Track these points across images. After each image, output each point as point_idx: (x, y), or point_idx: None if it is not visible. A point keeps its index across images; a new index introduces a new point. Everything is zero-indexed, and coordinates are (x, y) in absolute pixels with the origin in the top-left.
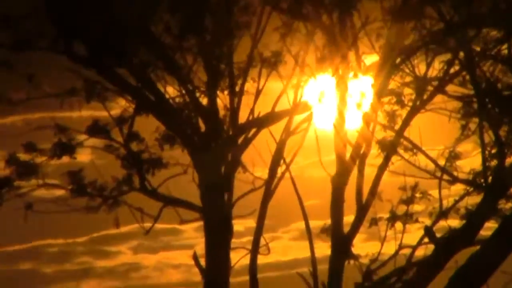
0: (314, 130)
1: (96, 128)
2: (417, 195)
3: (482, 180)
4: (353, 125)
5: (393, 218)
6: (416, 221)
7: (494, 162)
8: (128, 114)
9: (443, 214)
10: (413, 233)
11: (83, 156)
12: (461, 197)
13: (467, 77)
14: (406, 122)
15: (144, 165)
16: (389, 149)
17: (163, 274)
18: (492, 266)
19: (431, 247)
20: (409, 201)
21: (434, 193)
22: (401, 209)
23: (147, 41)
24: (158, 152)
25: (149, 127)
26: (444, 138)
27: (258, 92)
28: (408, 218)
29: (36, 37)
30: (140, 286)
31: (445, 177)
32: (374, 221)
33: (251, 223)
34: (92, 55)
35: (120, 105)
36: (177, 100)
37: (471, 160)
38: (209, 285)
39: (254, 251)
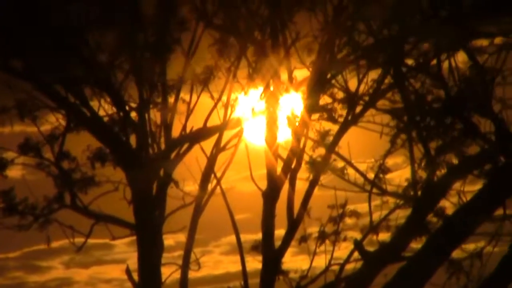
0: (245, 145)
1: (27, 147)
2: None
3: (412, 193)
4: (284, 140)
5: (322, 236)
6: (345, 239)
7: (423, 175)
8: (59, 131)
9: (373, 228)
10: (344, 247)
11: (15, 172)
12: (391, 211)
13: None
14: (337, 137)
15: (76, 184)
16: (318, 168)
17: None
18: (420, 280)
19: (361, 261)
20: (338, 218)
21: (366, 206)
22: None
23: (80, 57)
24: (90, 170)
25: (81, 144)
26: (376, 152)
27: (190, 108)
28: (337, 235)
29: None
30: None
31: (375, 190)
32: (304, 239)
33: (182, 237)
34: (29, 70)
35: (50, 122)
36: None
37: (401, 173)
38: None
39: (185, 266)
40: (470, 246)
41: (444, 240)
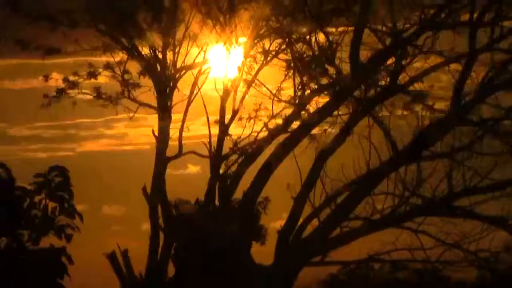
0: None
1: (108, 66)
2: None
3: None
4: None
5: (249, 117)
6: (260, 120)
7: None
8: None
9: (273, 116)
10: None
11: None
12: (283, 108)
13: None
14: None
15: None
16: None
17: None
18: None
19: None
20: (256, 110)
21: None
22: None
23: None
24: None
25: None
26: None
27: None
28: (256, 118)
29: None
30: None
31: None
32: (240, 118)
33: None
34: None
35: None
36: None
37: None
38: None
39: (181, 129)
40: None
41: None
